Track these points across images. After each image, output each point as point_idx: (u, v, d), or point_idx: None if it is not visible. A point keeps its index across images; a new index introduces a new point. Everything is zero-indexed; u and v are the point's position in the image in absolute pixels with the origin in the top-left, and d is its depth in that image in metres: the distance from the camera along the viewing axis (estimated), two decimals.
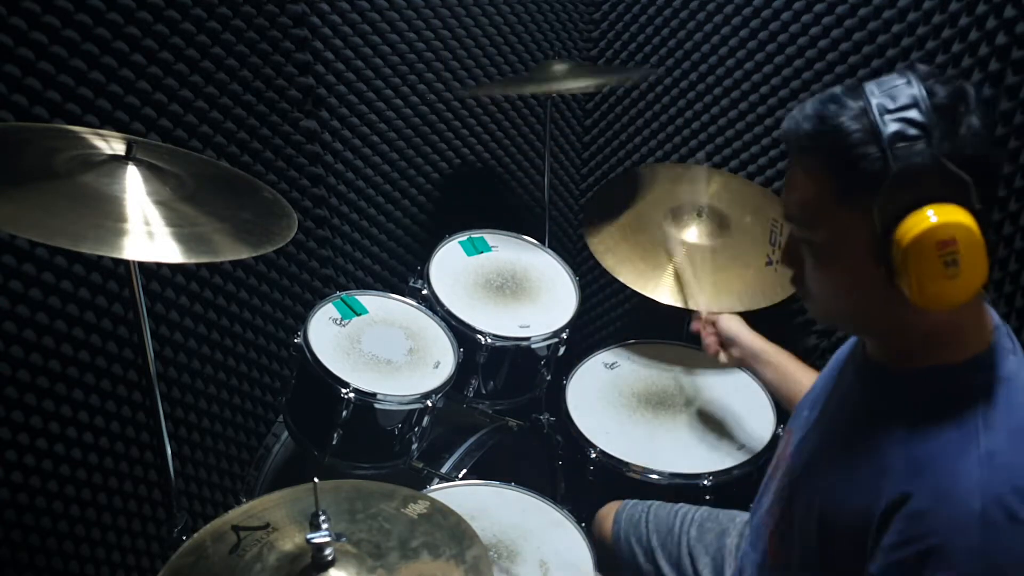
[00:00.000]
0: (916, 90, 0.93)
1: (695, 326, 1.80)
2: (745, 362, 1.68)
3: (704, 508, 1.60)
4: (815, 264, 1.04)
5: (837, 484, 1.06)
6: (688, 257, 1.97)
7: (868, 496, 0.99)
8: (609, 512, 1.67)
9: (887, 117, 0.93)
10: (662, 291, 1.97)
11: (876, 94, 0.95)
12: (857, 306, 1.04)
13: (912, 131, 0.92)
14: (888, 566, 0.95)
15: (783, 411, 1.85)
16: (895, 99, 0.94)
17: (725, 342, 1.70)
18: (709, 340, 1.74)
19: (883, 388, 1.07)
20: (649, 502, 1.65)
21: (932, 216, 0.91)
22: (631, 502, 1.66)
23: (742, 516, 1.54)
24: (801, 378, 1.53)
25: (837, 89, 0.99)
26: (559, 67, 2.06)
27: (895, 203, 0.93)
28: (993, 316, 1.05)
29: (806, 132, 0.99)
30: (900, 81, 0.95)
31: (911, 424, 0.99)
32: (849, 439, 1.08)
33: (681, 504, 1.63)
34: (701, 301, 1.86)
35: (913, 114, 0.92)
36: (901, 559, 0.94)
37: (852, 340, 1.22)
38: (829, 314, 1.11)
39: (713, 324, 1.74)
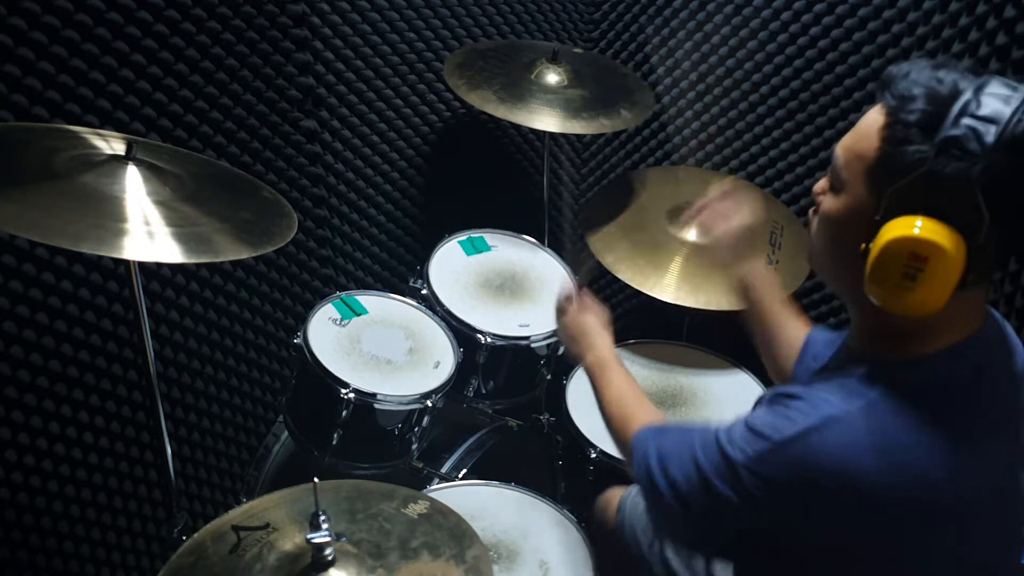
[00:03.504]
0: (1008, 110, 0.88)
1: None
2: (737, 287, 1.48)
3: None
4: (825, 214, 1.04)
5: None
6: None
7: None
8: (612, 498, 1.65)
9: (964, 119, 0.88)
10: (661, 289, 1.97)
11: (974, 91, 0.89)
12: (838, 269, 1.05)
13: (972, 145, 0.87)
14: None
15: None
16: (986, 106, 0.88)
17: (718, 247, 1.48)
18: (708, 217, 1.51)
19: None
20: None
21: (925, 227, 0.89)
22: (635, 488, 1.65)
23: None
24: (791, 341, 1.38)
25: (964, 64, 0.94)
26: (556, 91, 2.04)
27: (907, 196, 0.91)
28: (991, 316, 1.04)
29: (913, 82, 0.93)
30: (1010, 92, 0.90)
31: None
32: None
33: None
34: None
35: (984, 128, 0.87)
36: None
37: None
38: (817, 263, 1.10)
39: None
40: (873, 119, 0.97)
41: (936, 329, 0.99)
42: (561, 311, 1.57)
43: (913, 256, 0.90)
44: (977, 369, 1.00)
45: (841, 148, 1.01)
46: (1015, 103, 0.88)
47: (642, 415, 1.25)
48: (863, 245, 0.95)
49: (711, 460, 1.02)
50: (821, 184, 1.08)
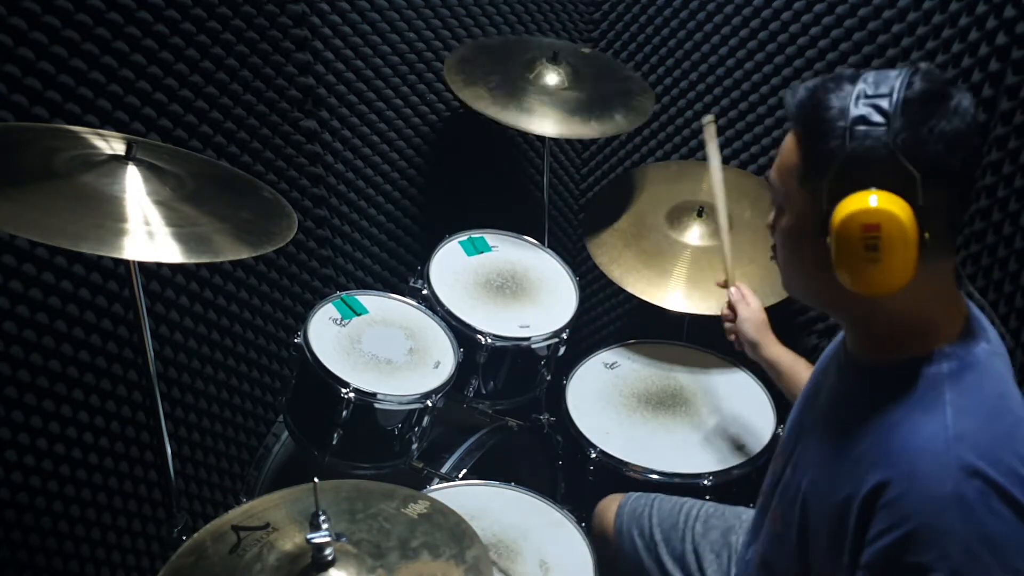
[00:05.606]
0: (898, 81, 0.95)
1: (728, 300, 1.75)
2: (761, 366, 1.67)
3: (709, 504, 1.59)
4: (781, 234, 1.08)
5: (819, 479, 1.08)
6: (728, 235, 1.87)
7: (846, 489, 1.01)
8: (611, 504, 1.66)
9: (861, 101, 0.96)
10: (670, 298, 1.97)
11: (867, 81, 0.97)
12: (813, 284, 1.07)
13: (876, 117, 0.94)
14: (875, 555, 0.96)
15: (783, 411, 1.85)
16: (877, 86, 0.96)
17: (743, 344, 1.69)
18: (729, 333, 1.72)
19: (859, 381, 1.09)
20: (653, 495, 1.64)
21: (865, 200, 0.93)
22: (634, 495, 1.66)
23: (748, 513, 1.53)
24: None
25: (843, 71, 1.02)
26: (557, 91, 2.04)
27: (842, 183, 0.96)
28: (969, 306, 1.07)
29: (797, 101, 1.02)
30: (893, 72, 0.97)
31: (884, 415, 1.01)
32: (829, 433, 1.10)
33: (686, 499, 1.62)
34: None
35: (883, 102, 0.95)
36: (885, 546, 0.94)
37: (838, 338, 1.22)
38: (791, 286, 1.13)
39: (734, 321, 1.70)
40: (789, 137, 1.04)
41: (931, 324, 1.01)
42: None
43: (865, 228, 0.93)
44: (987, 341, 1.03)
45: (774, 172, 1.07)
46: (900, 78, 0.96)
47: None
48: (826, 249, 0.98)
49: None
50: (770, 218, 1.12)
